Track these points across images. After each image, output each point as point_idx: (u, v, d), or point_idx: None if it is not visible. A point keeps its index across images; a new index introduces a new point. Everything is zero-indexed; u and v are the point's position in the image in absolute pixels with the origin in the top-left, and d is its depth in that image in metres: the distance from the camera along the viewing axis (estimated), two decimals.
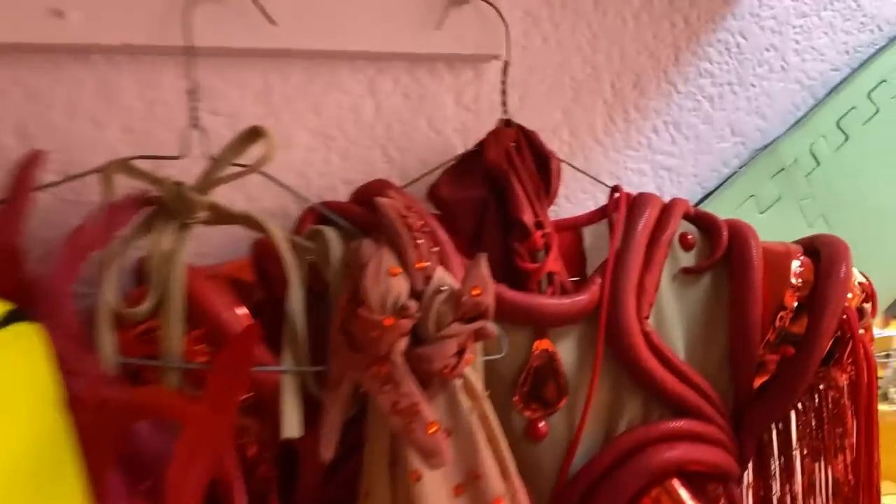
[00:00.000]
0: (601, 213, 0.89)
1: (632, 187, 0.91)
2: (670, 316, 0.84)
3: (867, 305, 0.88)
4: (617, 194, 0.89)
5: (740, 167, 1.08)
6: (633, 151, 1.02)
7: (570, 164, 0.91)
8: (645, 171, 1.03)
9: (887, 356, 2.35)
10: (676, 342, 0.84)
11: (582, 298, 0.80)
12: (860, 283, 0.88)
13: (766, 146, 1.09)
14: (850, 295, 0.85)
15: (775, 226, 1.05)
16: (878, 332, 2.57)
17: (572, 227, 0.88)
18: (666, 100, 1.04)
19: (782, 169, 1.08)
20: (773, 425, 0.87)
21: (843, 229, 1.03)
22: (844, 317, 0.84)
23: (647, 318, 0.81)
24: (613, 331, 0.79)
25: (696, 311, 0.86)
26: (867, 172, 1.13)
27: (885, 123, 1.13)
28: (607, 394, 0.81)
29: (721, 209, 0.98)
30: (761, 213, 1.06)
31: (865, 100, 1.13)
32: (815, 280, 0.84)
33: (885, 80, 1.14)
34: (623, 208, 0.87)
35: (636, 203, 0.87)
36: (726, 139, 1.08)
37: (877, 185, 1.13)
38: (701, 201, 1.04)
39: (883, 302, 0.94)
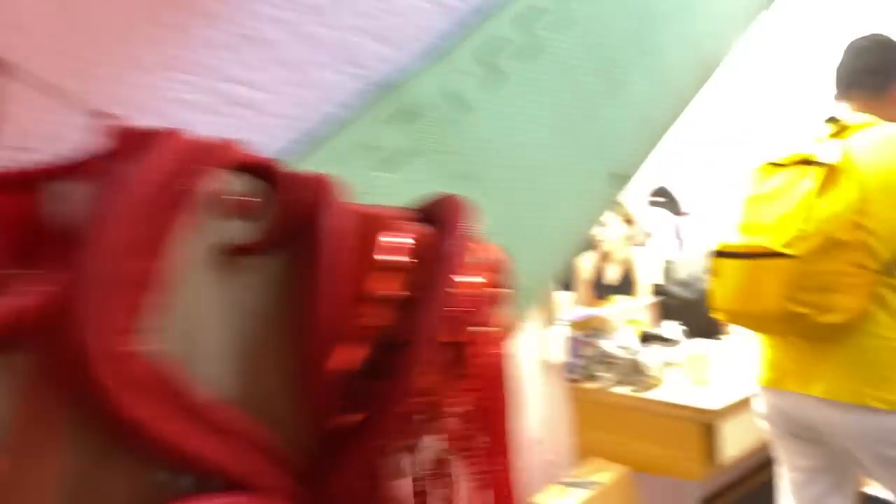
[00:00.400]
0: (97, 164, 0.54)
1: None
2: (203, 322, 0.54)
3: (501, 291, 0.63)
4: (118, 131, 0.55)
5: (355, 108, 0.78)
6: (189, 76, 0.68)
7: (48, 89, 0.55)
8: (209, 106, 0.69)
9: (593, 335, 2.31)
10: (213, 364, 0.53)
11: (16, 304, 0.45)
12: (492, 261, 0.62)
13: (391, 82, 0.81)
14: (475, 279, 0.60)
15: (403, 187, 0.78)
16: (584, 311, 2.53)
17: (28, 185, 0.52)
18: (243, 4, 0.71)
19: (413, 112, 0.81)
20: (368, 480, 0.57)
21: (496, 191, 0.79)
22: (466, 309, 0.58)
23: (132, 330, 0.48)
24: (67, 358, 0.45)
25: (253, 312, 0.55)
26: (524, 120, 0.90)
27: (544, 60, 0.91)
28: (76, 466, 0.47)
29: (325, 164, 0.69)
30: (381, 170, 0.78)
31: (519, 30, 0.89)
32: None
33: (542, 8, 0.92)
34: (119, 153, 0.53)
35: (140, 143, 0.53)
36: (335, 68, 0.77)
37: (535, 135, 0.90)
38: (293, 152, 0.73)
39: (544, 278, 0.70)
